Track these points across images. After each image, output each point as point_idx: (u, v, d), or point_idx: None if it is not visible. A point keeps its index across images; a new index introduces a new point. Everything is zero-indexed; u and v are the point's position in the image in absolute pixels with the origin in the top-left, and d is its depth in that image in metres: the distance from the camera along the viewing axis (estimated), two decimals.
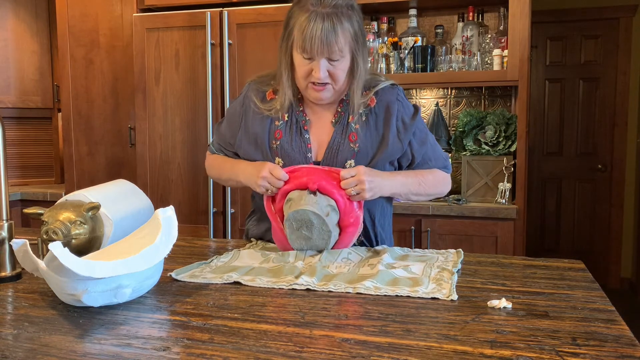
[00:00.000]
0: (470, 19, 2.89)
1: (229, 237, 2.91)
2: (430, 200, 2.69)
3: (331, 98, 1.46)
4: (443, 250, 1.44)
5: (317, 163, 1.46)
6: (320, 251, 1.35)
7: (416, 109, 1.53)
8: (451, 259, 1.35)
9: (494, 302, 1.01)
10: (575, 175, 4.74)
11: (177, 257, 1.41)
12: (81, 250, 1.23)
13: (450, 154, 2.91)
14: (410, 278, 1.17)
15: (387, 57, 2.92)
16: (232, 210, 2.92)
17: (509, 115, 2.81)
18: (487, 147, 2.76)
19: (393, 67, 2.93)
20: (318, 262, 1.27)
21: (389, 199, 1.59)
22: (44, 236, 1.21)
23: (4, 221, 1.20)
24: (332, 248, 1.37)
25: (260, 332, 0.88)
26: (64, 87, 3.31)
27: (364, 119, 1.48)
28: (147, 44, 2.98)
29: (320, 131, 1.49)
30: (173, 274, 1.21)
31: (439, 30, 2.97)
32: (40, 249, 1.28)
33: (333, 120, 1.49)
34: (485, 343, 0.83)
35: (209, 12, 2.87)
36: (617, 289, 4.59)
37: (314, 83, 1.40)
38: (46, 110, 3.67)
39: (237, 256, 1.38)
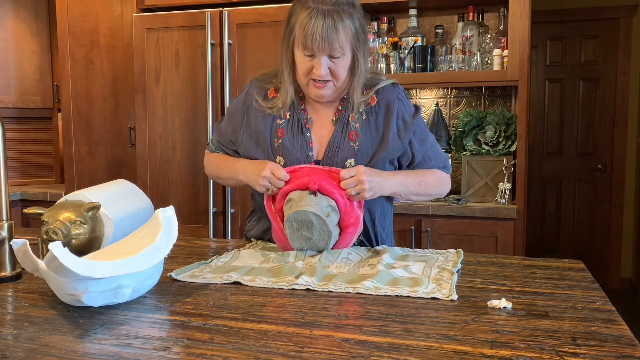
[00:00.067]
0: (470, 19, 2.89)
1: (229, 237, 2.91)
2: (430, 200, 2.69)
3: (332, 96, 1.46)
4: (443, 250, 1.43)
5: (317, 162, 1.46)
6: (320, 251, 1.35)
7: (417, 108, 1.53)
8: (451, 259, 1.35)
9: (494, 302, 1.01)
10: (575, 175, 4.74)
11: (177, 257, 1.41)
12: (81, 250, 1.23)
13: (450, 154, 2.91)
14: (410, 278, 1.17)
15: (387, 57, 2.92)
16: (232, 210, 2.92)
17: (509, 115, 2.81)
18: (487, 147, 2.76)
19: (393, 67, 2.93)
20: (318, 262, 1.27)
21: (390, 199, 1.59)
22: (44, 236, 1.21)
23: (4, 221, 1.20)
24: (332, 248, 1.37)
25: (260, 332, 0.88)
26: (64, 87, 3.31)
27: (364, 117, 1.48)
28: (147, 44, 2.98)
29: (321, 129, 1.49)
30: (173, 274, 1.21)
31: (439, 30, 2.97)
32: (40, 249, 1.28)
33: (334, 119, 1.49)
34: (485, 343, 0.83)
35: (209, 12, 2.86)
36: (617, 289, 4.59)
37: (315, 80, 1.40)
38: (46, 110, 3.67)
39: (237, 256, 1.38)
